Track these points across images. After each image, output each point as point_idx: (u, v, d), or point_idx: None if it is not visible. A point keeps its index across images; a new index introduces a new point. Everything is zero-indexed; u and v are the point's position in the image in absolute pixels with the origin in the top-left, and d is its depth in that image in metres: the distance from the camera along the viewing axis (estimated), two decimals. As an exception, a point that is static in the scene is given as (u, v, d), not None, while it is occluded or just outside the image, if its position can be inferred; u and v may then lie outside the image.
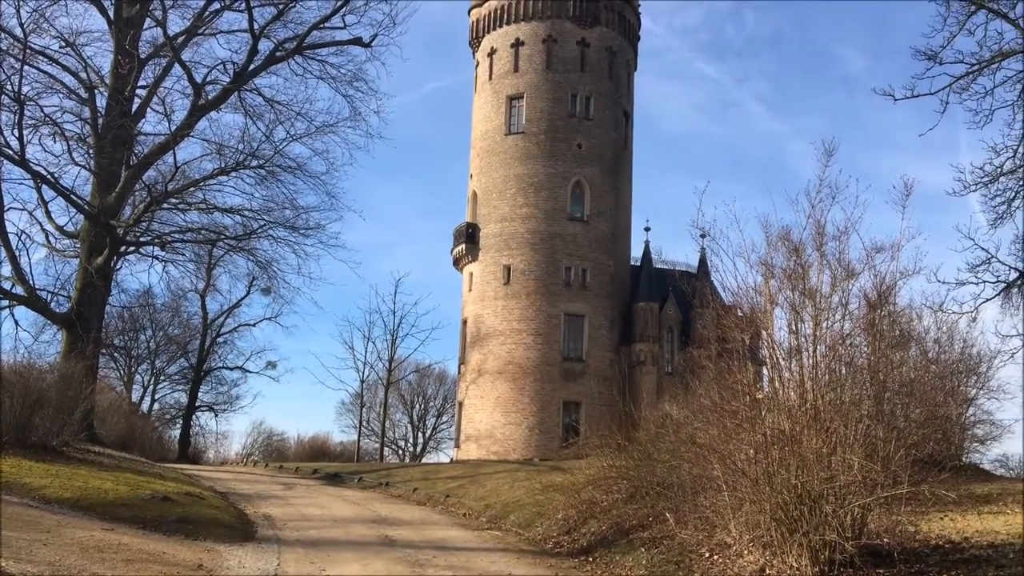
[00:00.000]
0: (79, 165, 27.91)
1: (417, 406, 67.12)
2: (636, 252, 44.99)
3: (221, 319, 53.08)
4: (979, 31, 20.16)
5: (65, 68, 26.84)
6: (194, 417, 53.55)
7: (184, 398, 54.65)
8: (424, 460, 62.15)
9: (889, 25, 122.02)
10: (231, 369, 55.75)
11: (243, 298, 49.69)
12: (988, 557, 10.65)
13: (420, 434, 67.86)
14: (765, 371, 13.00)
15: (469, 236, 43.84)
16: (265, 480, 29.52)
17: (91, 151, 27.14)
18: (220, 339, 54.10)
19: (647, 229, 45.11)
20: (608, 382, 39.34)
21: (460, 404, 43.93)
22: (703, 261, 39.77)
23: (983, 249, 20.02)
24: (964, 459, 19.90)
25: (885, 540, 11.12)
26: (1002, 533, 11.99)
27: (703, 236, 14.50)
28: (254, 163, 28.15)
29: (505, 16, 44.88)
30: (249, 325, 53.14)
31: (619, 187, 44.73)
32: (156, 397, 56.69)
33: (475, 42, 46.88)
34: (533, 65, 43.90)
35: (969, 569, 10.29)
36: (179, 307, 51.92)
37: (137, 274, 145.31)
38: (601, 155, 43.75)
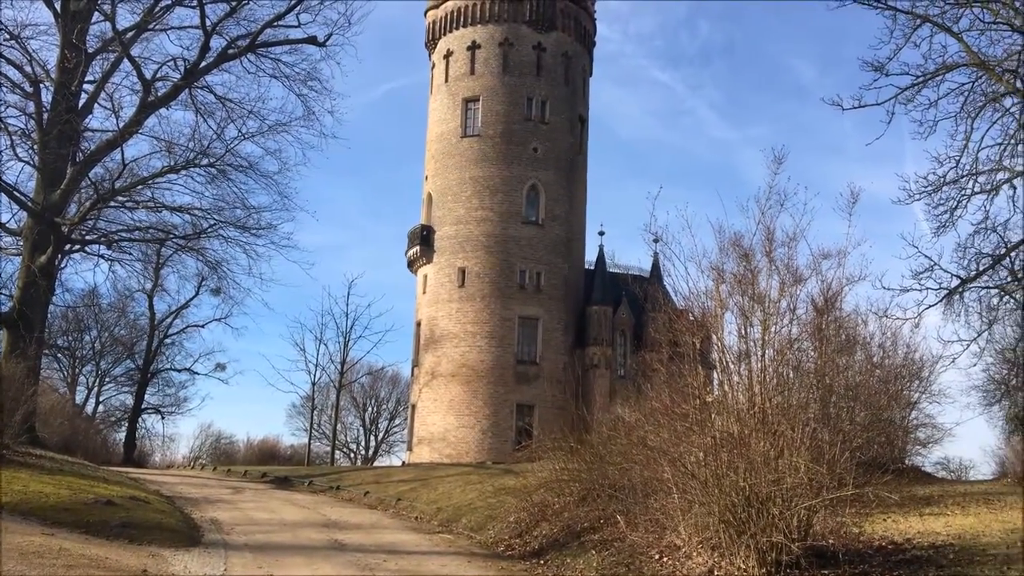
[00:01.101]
0: (23, 161, 27.20)
1: (369, 409, 66.63)
2: (590, 256, 45.31)
3: (169, 320, 52.14)
4: (924, 44, 20.68)
5: (9, 62, 26.16)
6: (140, 420, 52.47)
7: (130, 400, 53.54)
8: (376, 464, 61.70)
9: (839, 36, 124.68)
10: (179, 371, 54.78)
11: (192, 299, 48.90)
12: (929, 558, 10.91)
13: (372, 437, 67.37)
14: (716, 375, 13.16)
15: (424, 238, 43.69)
16: (213, 484, 29.04)
17: (35, 147, 26.45)
18: (168, 340, 53.12)
19: (601, 233, 45.39)
20: (561, 385, 39.45)
21: (413, 407, 43.72)
22: (656, 265, 40.33)
23: (926, 257, 20.51)
24: (907, 462, 20.39)
25: (830, 541, 11.33)
26: (943, 534, 12.30)
27: (656, 241, 14.69)
28: (204, 161, 27.70)
29: (461, 18, 44.85)
30: (198, 326, 52.25)
31: (574, 191, 44.96)
32: (101, 399, 55.48)
33: (431, 44, 46.76)
34: (489, 68, 43.92)
35: (911, 570, 10.53)
36: (126, 307, 50.90)
37: (82, 273, 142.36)
38: (556, 159, 43.93)
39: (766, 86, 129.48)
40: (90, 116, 27.81)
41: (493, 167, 42.92)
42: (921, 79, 20.64)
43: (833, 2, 20.83)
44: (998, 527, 12.75)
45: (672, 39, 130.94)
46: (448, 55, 45.06)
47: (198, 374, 54.41)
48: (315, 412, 57.05)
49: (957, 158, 20.63)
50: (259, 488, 28.33)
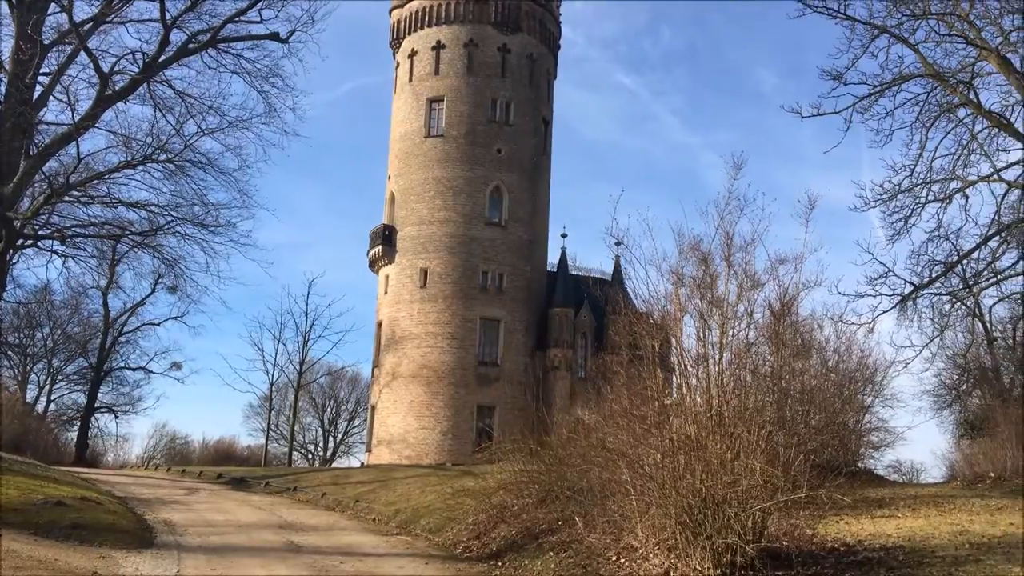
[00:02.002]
0: (-27, 153, 26.47)
1: (328, 410, 66.08)
2: (553, 258, 45.44)
3: (124, 317, 51.25)
4: (881, 54, 21.09)
5: (-40, 52, 25.46)
6: (93, 419, 51.49)
7: (82, 399, 52.48)
8: (335, 465, 61.24)
9: (799, 45, 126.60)
10: (133, 369, 53.86)
11: (148, 296, 48.17)
12: (880, 559, 11.10)
13: (331, 438, 66.83)
14: (675, 377, 13.27)
15: (386, 238, 43.47)
16: (167, 484, 28.61)
17: (-13, 139, 25.78)
18: (122, 338, 52.22)
19: (564, 235, 45.53)
20: (522, 387, 39.57)
21: (373, 408, 43.46)
22: (617, 268, 40.53)
23: (881, 263, 20.89)
24: (860, 465, 20.75)
25: (784, 543, 11.48)
26: (893, 536, 12.53)
27: (618, 244, 14.75)
28: (162, 157, 27.20)
29: (426, 18, 44.73)
30: (153, 324, 51.45)
31: (537, 193, 45.05)
32: (52, 398, 54.25)
33: (396, 43, 46.56)
34: (454, 68, 43.85)
35: (862, 571, 10.71)
36: (79, 304, 49.93)
37: (35, 269, 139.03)
38: (520, 161, 43.98)
39: (727, 92, 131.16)
40: (45, 109, 27.17)
41: (457, 168, 42.85)
42: (878, 89, 21.03)
43: (793, 11, 21.12)
44: (947, 529, 13.03)
45: (635, 44, 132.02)
46: (413, 55, 44.91)
47: (153, 373, 53.61)
48: (273, 413, 56.51)
49: (912, 167, 21.07)
50: (214, 489, 27.95)
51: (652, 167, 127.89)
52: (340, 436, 66.95)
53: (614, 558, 12.26)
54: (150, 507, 20.90)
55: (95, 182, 27.90)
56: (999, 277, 21.49)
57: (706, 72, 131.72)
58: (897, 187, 21.01)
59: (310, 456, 66.03)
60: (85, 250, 31.14)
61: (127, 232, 29.63)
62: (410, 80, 44.89)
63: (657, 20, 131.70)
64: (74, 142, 26.07)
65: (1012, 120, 20.46)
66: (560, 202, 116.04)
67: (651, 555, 11.57)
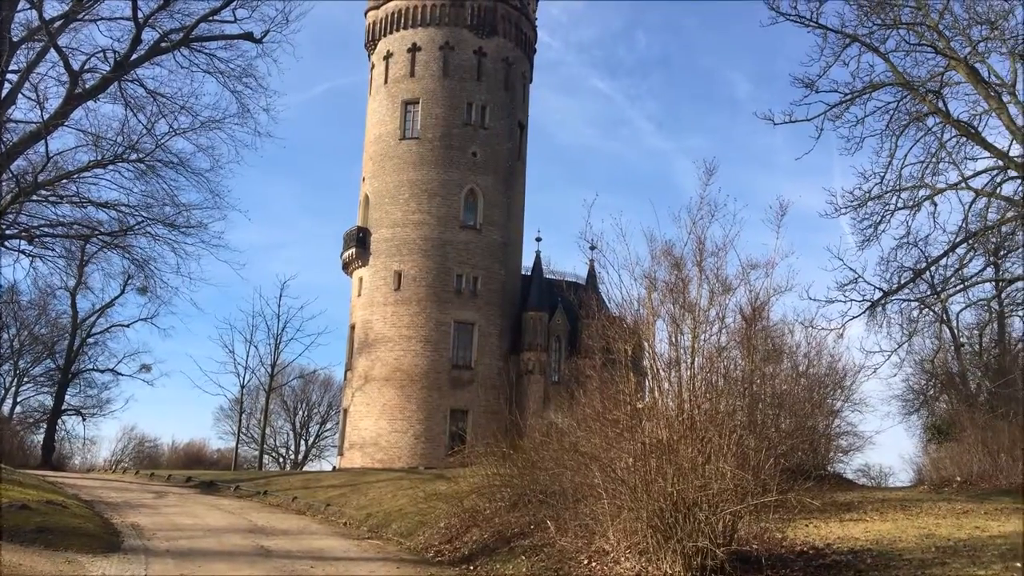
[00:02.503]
0: (-61, 151, 26.00)
1: (300, 413, 65.61)
2: (527, 262, 45.49)
3: (92, 319, 50.52)
4: (853, 63, 21.34)
5: (-74, 48, 24.99)
6: (60, 421, 50.68)
7: (49, 401, 51.64)
8: (306, 468, 60.78)
9: (772, 53, 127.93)
10: (102, 371, 53.07)
11: (117, 297, 47.43)
12: (848, 562, 11.21)
13: (302, 442, 66.35)
14: (647, 381, 13.32)
15: (360, 240, 43.27)
16: (135, 488, 28.26)
17: (-48, 136, 25.33)
18: (91, 340, 51.46)
19: (538, 239, 45.59)
20: (496, 390, 39.53)
21: (345, 411, 43.20)
22: (592, 272, 40.62)
23: (851, 269, 21.10)
24: (829, 468, 20.94)
25: (754, 546, 11.55)
26: (861, 539, 12.66)
27: (592, 248, 14.80)
28: (133, 156, 26.86)
29: (402, 20, 44.64)
30: (123, 326, 50.71)
31: (512, 197, 45.07)
32: (18, 400, 53.29)
33: (371, 45, 46.41)
34: (430, 71, 43.79)
35: (831, 574, 10.81)
36: (47, 305, 49.09)
37: (1, 269, 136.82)
38: (495, 164, 43.99)
39: (701, 98, 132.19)
40: (13, 107, 26.71)
41: (431, 171, 42.77)
42: (849, 97, 21.27)
43: (766, 19, 21.33)
44: (914, 532, 13.18)
45: (611, 50, 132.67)
46: (388, 56, 44.79)
47: (122, 375, 52.86)
48: (244, 416, 55.92)
49: (882, 174, 21.32)
50: (183, 493, 27.66)
51: (627, 172, 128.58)
52: (312, 439, 66.52)
53: (586, 562, 12.27)
54: (117, 511, 20.63)
55: (64, 181, 27.52)
56: (966, 284, 21.81)
57: (681, 78, 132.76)
58: (867, 194, 21.26)
59: (281, 460, 65.51)
60: (53, 250, 30.65)
61: (96, 232, 29.23)
62: (385, 82, 44.75)
63: (633, 25, 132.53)
64: (43, 140, 25.70)
65: (979, 129, 20.78)
66: (535, 206, 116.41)
67: (622, 559, 11.59)
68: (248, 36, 26.78)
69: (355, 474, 31.07)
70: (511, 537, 15.10)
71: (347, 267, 44.69)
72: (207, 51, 27.10)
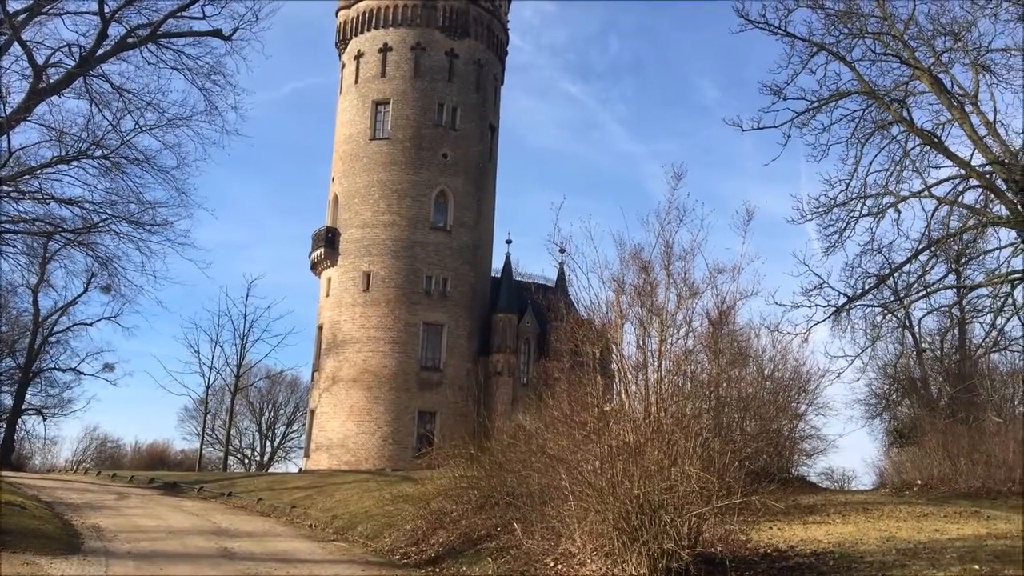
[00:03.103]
0: (-102, 145, 25.42)
1: (266, 414, 64.98)
2: (497, 264, 45.51)
3: (54, 317, 49.66)
4: (820, 71, 21.60)
5: None
6: (20, 421, 49.74)
7: (9, 400, 50.61)
8: (272, 470, 60.21)
9: (741, 60, 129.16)
10: (63, 370, 52.14)
11: (80, 295, 46.61)
12: (811, 564, 11.33)
13: (268, 443, 65.70)
14: (615, 384, 13.37)
15: (329, 240, 43.00)
16: (96, 489, 27.83)
17: (-88, 130, 24.78)
18: (52, 338, 50.56)
19: (508, 241, 45.67)
20: (464, 392, 39.48)
21: (312, 412, 42.89)
22: (561, 275, 40.79)
23: (816, 275, 21.29)
24: (793, 471, 21.17)
25: (718, 548, 11.64)
26: (824, 542, 12.81)
27: (561, 251, 14.83)
28: (98, 153, 26.45)
29: (373, 20, 44.48)
30: (86, 324, 49.87)
31: (482, 198, 45.06)
32: (-24, 399, 52.29)
33: (342, 44, 46.17)
34: (401, 71, 43.67)
35: (793, 576, 10.92)
36: (7, 302, 48.12)
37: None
38: (466, 166, 43.96)
39: (672, 103, 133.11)
40: (-26, 101, 26.26)
41: (402, 171, 42.64)
42: (816, 104, 21.52)
43: (735, 26, 21.52)
44: (875, 535, 13.37)
45: (583, 54, 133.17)
46: (359, 56, 44.59)
47: (84, 374, 51.95)
48: (208, 416, 55.33)
49: (847, 181, 21.58)
50: (146, 494, 27.28)
51: (597, 175, 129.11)
52: (278, 441, 65.91)
53: (552, 564, 12.28)
54: (78, 512, 20.30)
55: (27, 177, 27.04)
56: (928, 290, 22.12)
57: (652, 83, 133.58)
58: (833, 201, 21.50)
59: (246, 461, 64.82)
60: (15, 247, 30.09)
61: (59, 229, 28.76)
62: (356, 82, 44.55)
63: (606, 30, 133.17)
64: (5, 135, 25.25)
65: (943, 138, 21.13)
66: (505, 208, 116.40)
67: (588, 561, 11.62)
68: (217, 33, 26.51)
69: (321, 476, 30.86)
70: (478, 539, 15.08)
71: (315, 267, 44.40)
72: (175, 47, 26.77)
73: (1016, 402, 28.84)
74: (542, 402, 16.29)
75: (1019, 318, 20.13)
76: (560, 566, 12.10)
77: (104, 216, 27.68)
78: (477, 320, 43.20)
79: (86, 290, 45.18)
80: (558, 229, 13.51)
